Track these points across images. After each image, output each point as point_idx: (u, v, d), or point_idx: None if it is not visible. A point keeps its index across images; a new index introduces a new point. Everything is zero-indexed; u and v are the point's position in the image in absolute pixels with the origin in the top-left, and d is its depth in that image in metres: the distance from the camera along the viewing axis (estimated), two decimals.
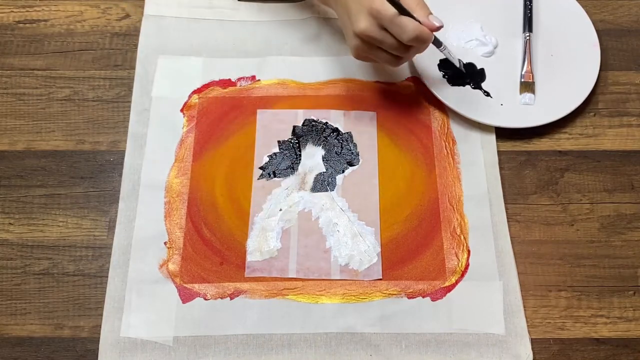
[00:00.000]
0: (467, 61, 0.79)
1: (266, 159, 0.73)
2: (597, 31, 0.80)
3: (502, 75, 0.78)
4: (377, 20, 0.62)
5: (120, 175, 0.71)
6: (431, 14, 0.64)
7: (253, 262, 0.67)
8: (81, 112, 0.76)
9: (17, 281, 0.67)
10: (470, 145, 0.74)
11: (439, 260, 0.67)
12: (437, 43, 0.70)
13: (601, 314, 0.66)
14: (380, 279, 0.66)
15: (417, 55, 0.77)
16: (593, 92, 0.77)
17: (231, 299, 0.65)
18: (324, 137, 0.74)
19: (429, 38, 0.63)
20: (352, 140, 0.74)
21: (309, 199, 0.70)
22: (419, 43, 0.63)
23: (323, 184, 0.71)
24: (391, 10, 0.61)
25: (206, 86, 0.77)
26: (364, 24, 0.62)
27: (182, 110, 0.76)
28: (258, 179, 0.71)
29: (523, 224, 0.70)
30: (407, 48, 0.64)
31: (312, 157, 0.73)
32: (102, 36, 0.81)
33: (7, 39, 0.81)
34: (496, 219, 0.69)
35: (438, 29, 0.63)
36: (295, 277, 0.66)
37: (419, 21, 0.62)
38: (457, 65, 0.75)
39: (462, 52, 0.79)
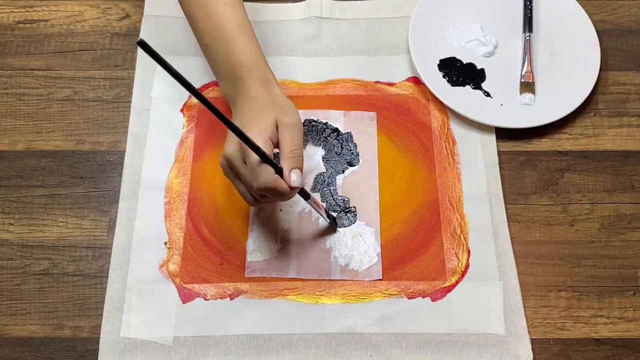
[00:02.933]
0: (468, 61, 0.79)
1: None
2: (597, 31, 0.80)
3: (502, 75, 0.78)
4: (243, 154, 0.57)
5: (120, 175, 0.71)
6: (298, 168, 0.57)
7: (253, 262, 0.67)
8: (81, 112, 0.76)
9: (17, 281, 0.67)
10: (470, 145, 0.74)
11: (439, 261, 0.67)
12: (305, 196, 0.62)
13: (601, 314, 0.66)
14: (380, 279, 0.66)
15: (417, 55, 0.77)
16: (593, 92, 0.77)
17: (231, 299, 0.65)
18: (324, 137, 0.74)
19: (284, 192, 0.56)
20: (352, 141, 0.74)
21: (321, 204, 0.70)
22: (271, 194, 0.57)
23: (323, 184, 0.71)
24: (255, 155, 0.55)
25: (206, 86, 0.77)
26: (231, 149, 0.58)
27: (182, 110, 0.76)
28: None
29: (523, 224, 0.70)
30: (261, 193, 0.58)
31: (312, 158, 0.73)
32: (102, 36, 0.81)
33: (7, 39, 0.81)
34: (496, 219, 0.69)
35: (292, 189, 0.56)
36: (295, 277, 0.66)
37: (281, 171, 0.56)
38: (324, 217, 0.67)
39: (462, 52, 0.79)
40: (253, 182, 0.56)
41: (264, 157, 0.55)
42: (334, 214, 0.69)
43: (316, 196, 0.70)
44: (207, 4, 0.65)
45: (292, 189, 0.57)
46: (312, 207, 0.65)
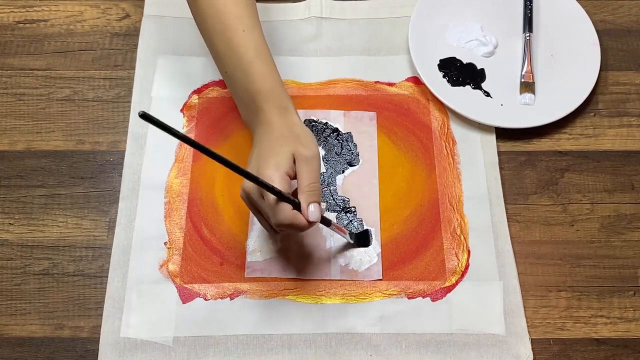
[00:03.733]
0: (468, 61, 0.79)
1: None
2: (597, 31, 0.80)
3: (502, 75, 0.78)
4: (260, 189, 0.57)
5: (120, 175, 0.71)
6: (317, 202, 0.57)
7: (253, 263, 0.67)
8: (81, 112, 0.76)
9: (17, 281, 0.67)
10: (470, 145, 0.74)
11: (439, 261, 0.67)
12: (326, 223, 0.63)
13: (601, 314, 0.66)
14: (380, 279, 0.66)
15: (417, 55, 0.77)
16: (593, 92, 0.77)
17: (231, 299, 0.65)
18: (324, 137, 0.74)
19: (302, 226, 0.57)
20: (352, 141, 0.74)
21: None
22: (290, 229, 0.58)
23: (323, 184, 0.71)
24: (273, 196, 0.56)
25: (206, 86, 0.77)
26: (249, 185, 0.58)
27: (182, 110, 0.76)
28: None
29: (523, 224, 0.70)
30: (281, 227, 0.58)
31: None
32: (102, 36, 0.81)
33: (7, 39, 0.81)
34: (496, 219, 0.69)
35: (310, 224, 0.57)
36: (295, 277, 0.66)
37: (298, 205, 0.57)
38: (349, 240, 0.67)
39: (462, 52, 0.79)
40: (271, 218, 0.57)
41: (280, 196, 0.55)
42: (357, 232, 0.68)
43: None
44: (225, 30, 0.64)
45: (310, 222, 0.57)
46: (335, 232, 0.65)
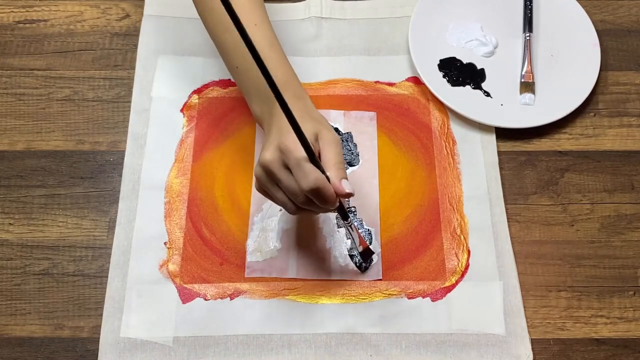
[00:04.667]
0: (468, 61, 0.79)
1: None
2: (597, 31, 0.80)
3: (502, 75, 0.78)
4: (284, 156, 0.55)
5: (120, 175, 0.71)
6: (346, 179, 0.56)
7: (253, 263, 0.67)
8: (81, 112, 0.76)
9: (17, 281, 0.67)
10: (470, 145, 0.74)
11: (439, 261, 0.67)
12: (344, 215, 0.61)
13: (601, 314, 0.66)
14: (380, 279, 0.66)
15: (417, 55, 0.77)
16: (593, 92, 0.77)
17: (231, 299, 0.65)
18: None
19: (331, 197, 0.55)
20: (352, 141, 0.74)
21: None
22: (318, 198, 0.55)
23: None
24: (301, 153, 0.54)
25: (206, 86, 0.77)
26: (269, 155, 0.56)
27: (182, 110, 0.76)
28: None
29: (523, 224, 0.70)
30: (305, 199, 0.56)
31: None
32: (102, 36, 0.81)
33: (7, 39, 0.81)
34: (496, 219, 0.69)
35: (347, 195, 0.56)
36: (295, 277, 0.66)
37: (328, 178, 0.55)
38: (356, 247, 0.65)
39: (462, 52, 0.79)
40: (302, 182, 0.54)
41: (312, 156, 0.54)
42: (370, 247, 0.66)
43: None
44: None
45: (342, 196, 0.56)
46: (348, 230, 0.63)
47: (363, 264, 0.66)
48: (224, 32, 0.65)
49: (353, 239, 0.65)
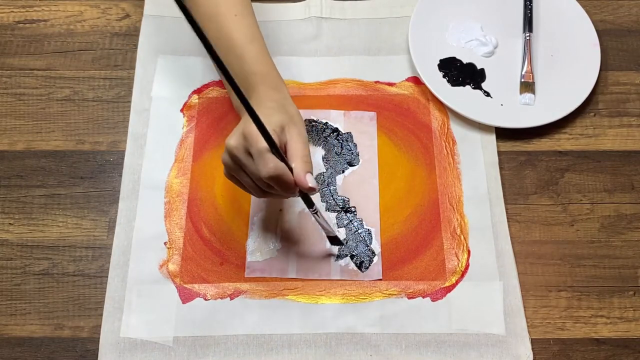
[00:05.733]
0: (468, 61, 0.79)
1: None
2: (597, 31, 0.80)
3: (502, 75, 0.78)
4: (247, 143, 0.56)
5: (120, 175, 0.71)
6: (310, 173, 0.57)
7: (253, 263, 0.67)
8: (81, 112, 0.76)
9: (17, 281, 0.67)
10: (470, 145, 0.74)
11: (439, 261, 0.67)
12: (308, 203, 0.61)
13: (601, 314, 0.66)
14: (380, 279, 0.66)
15: (417, 55, 0.77)
16: (593, 92, 0.77)
17: (231, 299, 0.65)
18: (324, 137, 0.74)
19: (291, 185, 0.56)
20: (352, 140, 0.74)
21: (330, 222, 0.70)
22: (278, 186, 0.56)
23: (323, 184, 0.71)
24: (263, 143, 0.55)
25: (206, 86, 0.77)
26: (234, 141, 0.57)
27: (182, 110, 0.76)
28: None
29: (523, 224, 0.70)
30: (269, 185, 0.57)
31: (312, 158, 0.72)
32: (102, 36, 0.81)
33: (7, 39, 0.81)
34: (496, 219, 0.69)
35: (310, 189, 0.57)
36: (295, 277, 0.66)
37: (291, 169, 0.56)
38: (332, 234, 0.66)
39: (462, 52, 0.79)
40: (260, 170, 0.55)
41: (273, 145, 0.55)
42: (338, 235, 0.67)
43: (316, 196, 0.70)
44: (218, 15, 0.65)
45: (305, 190, 0.56)
46: (315, 218, 0.63)
47: (339, 241, 0.67)
48: (206, 22, 0.65)
49: (321, 225, 0.64)
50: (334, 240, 0.66)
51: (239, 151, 0.57)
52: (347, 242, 0.68)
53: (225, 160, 0.59)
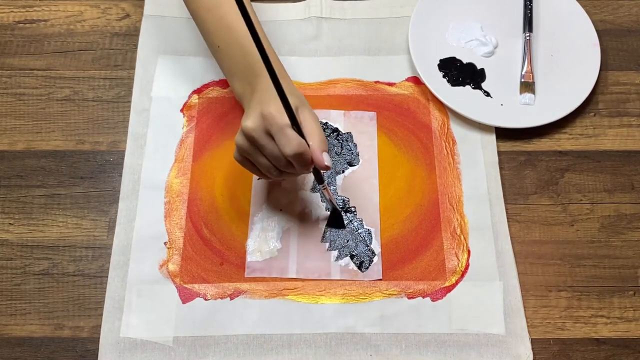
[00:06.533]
0: (468, 61, 0.79)
1: None
2: (597, 31, 0.80)
3: (502, 75, 0.78)
4: (266, 123, 0.57)
5: (120, 175, 0.71)
6: (326, 151, 0.59)
7: (253, 262, 0.67)
8: (81, 112, 0.76)
9: (17, 281, 0.67)
10: (470, 145, 0.74)
11: (439, 261, 0.67)
12: (320, 179, 0.64)
13: (601, 314, 0.66)
14: (380, 279, 0.66)
15: (417, 55, 0.77)
16: (593, 92, 0.77)
17: (231, 299, 0.65)
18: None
19: (309, 161, 0.58)
20: (352, 140, 0.74)
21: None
22: (299, 163, 0.58)
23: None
24: (285, 120, 0.56)
25: (206, 86, 0.77)
26: (252, 123, 0.58)
27: (182, 110, 0.76)
28: (258, 179, 0.71)
29: (523, 224, 0.70)
30: (287, 163, 0.59)
31: None
32: (102, 36, 0.81)
33: (7, 39, 0.81)
34: (496, 219, 0.69)
35: (326, 167, 0.58)
36: (295, 277, 0.66)
37: (309, 146, 0.58)
38: (335, 207, 0.68)
39: (462, 52, 0.79)
40: (285, 147, 0.56)
41: (295, 123, 0.56)
42: (341, 211, 0.69)
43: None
44: (218, 6, 0.66)
45: (321, 168, 0.58)
46: (322, 193, 0.66)
47: (339, 225, 0.68)
48: (206, 11, 0.66)
49: (328, 200, 0.67)
50: (337, 220, 0.68)
51: (257, 132, 0.58)
52: (346, 227, 0.69)
53: (240, 143, 0.60)
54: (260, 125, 0.58)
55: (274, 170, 0.60)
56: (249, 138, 0.58)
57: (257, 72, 0.63)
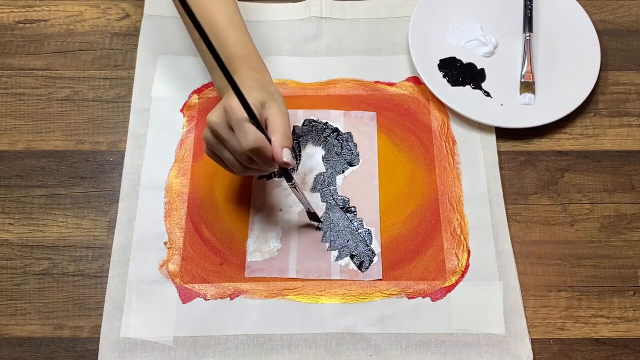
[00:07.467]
0: (468, 61, 0.79)
1: None
2: (597, 31, 0.80)
3: (502, 75, 0.78)
4: (227, 117, 0.57)
5: (120, 175, 0.71)
6: (288, 148, 0.57)
7: (253, 262, 0.67)
8: (81, 112, 0.76)
9: (17, 281, 0.67)
10: (470, 145, 0.74)
11: (439, 261, 0.67)
12: (287, 177, 0.63)
13: (601, 314, 0.66)
14: (380, 279, 0.66)
15: (417, 55, 0.77)
16: (593, 92, 0.77)
17: (231, 299, 0.65)
18: (324, 137, 0.74)
19: (267, 157, 0.57)
20: (352, 140, 0.74)
21: (309, 199, 0.70)
22: (258, 157, 0.57)
23: (323, 184, 0.71)
24: (243, 113, 0.55)
25: (206, 86, 0.77)
26: (215, 116, 0.58)
27: (182, 110, 0.76)
28: (258, 179, 0.71)
29: (523, 224, 0.70)
30: (249, 158, 0.58)
31: (312, 157, 0.73)
32: (102, 36, 0.81)
33: (7, 39, 0.81)
34: (496, 219, 0.69)
35: (284, 164, 0.57)
36: (295, 277, 0.66)
37: (269, 142, 0.57)
38: (307, 209, 0.67)
39: (462, 52, 0.79)
40: (241, 142, 0.56)
41: (253, 117, 0.55)
42: (315, 211, 0.68)
43: (315, 196, 0.70)
44: (199, 0, 0.66)
45: (280, 164, 0.57)
46: (294, 192, 0.64)
47: (317, 218, 0.68)
48: (191, 4, 0.66)
49: (300, 200, 0.66)
50: (313, 216, 0.68)
51: (219, 126, 0.57)
52: (323, 221, 0.69)
53: (206, 136, 0.60)
54: (222, 118, 0.57)
55: (238, 166, 0.60)
56: (212, 131, 0.58)
57: (234, 67, 0.63)
